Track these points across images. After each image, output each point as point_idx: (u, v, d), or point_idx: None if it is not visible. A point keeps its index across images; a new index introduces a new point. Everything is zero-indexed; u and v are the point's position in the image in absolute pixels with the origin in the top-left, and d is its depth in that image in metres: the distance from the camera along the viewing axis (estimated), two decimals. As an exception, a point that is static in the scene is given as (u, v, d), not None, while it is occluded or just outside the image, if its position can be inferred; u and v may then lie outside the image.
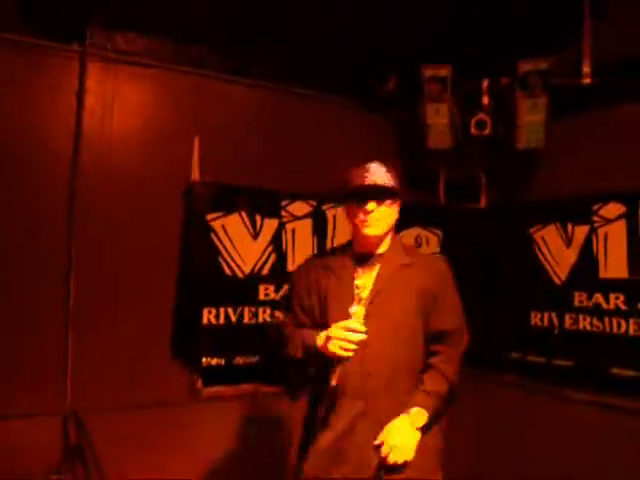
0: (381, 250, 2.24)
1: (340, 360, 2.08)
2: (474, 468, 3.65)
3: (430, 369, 2.19)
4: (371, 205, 2.12)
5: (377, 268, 2.20)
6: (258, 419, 3.49)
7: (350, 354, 2.07)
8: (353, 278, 2.20)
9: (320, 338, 2.14)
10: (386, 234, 2.23)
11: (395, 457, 2.05)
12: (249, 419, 3.49)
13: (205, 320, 3.35)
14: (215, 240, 3.38)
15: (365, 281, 2.18)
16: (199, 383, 3.37)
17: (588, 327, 3.36)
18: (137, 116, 3.36)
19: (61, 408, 3.02)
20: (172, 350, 3.32)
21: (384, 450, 2.05)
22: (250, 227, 3.48)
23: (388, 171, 2.19)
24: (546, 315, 3.57)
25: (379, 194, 2.15)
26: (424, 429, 2.12)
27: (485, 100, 3.53)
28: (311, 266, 2.35)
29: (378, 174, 2.16)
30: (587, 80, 3.33)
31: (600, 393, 3.30)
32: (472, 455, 3.73)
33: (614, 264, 3.26)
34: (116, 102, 3.28)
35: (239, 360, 3.45)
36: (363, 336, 2.05)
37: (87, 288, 3.12)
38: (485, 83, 3.53)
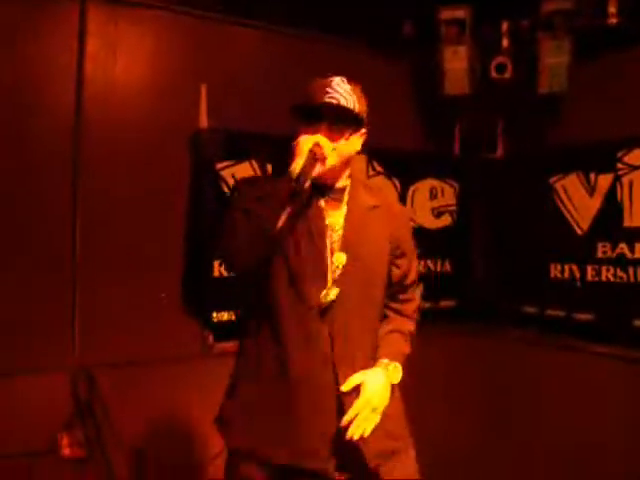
0: (341, 184, 1.90)
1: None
2: (490, 424, 3.57)
3: (396, 324, 1.97)
4: (323, 130, 1.78)
5: (344, 207, 1.88)
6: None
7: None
8: (323, 215, 1.86)
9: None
10: (343, 165, 1.87)
11: (370, 425, 1.74)
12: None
13: (216, 273, 3.23)
14: (225, 189, 3.25)
15: (335, 220, 1.86)
16: (210, 338, 3.27)
17: (612, 278, 3.26)
18: (141, 61, 3.19)
19: (70, 363, 2.91)
20: (183, 304, 3.20)
21: (359, 409, 1.73)
22: (261, 176, 3.35)
23: (354, 90, 1.81)
24: (567, 267, 3.47)
25: (337, 118, 1.78)
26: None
27: (505, 43, 3.38)
28: (268, 183, 1.85)
29: (340, 92, 1.77)
30: (613, 20, 3.18)
31: (623, 346, 3.21)
32: (489, 412, 3.65)
33: (640, 212, 3.16)
34: (119, 46, 3.10)
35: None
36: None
37: (94, 241, 2.99)
38: (505, 25, 3.37)
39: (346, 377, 1.78)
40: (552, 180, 3.56)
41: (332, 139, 1.78)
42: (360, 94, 1.84)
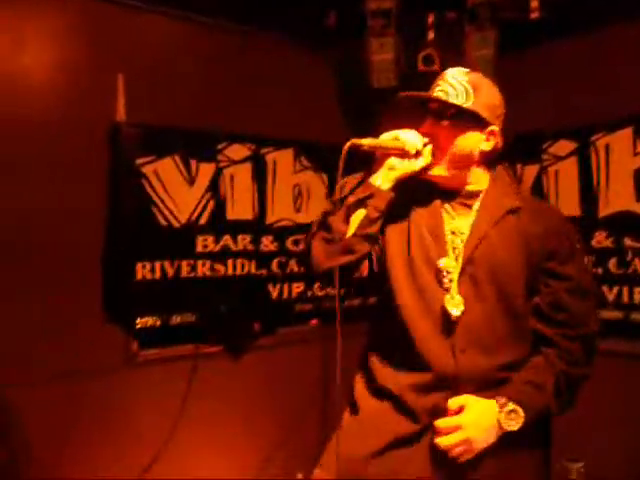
0: (476, 187, 1.68)
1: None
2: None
3: (546, 358, 1.65)
4: (426, 126, 1.65)
5: (475, 211, 1.67)
6: (199, 383, 3.22)
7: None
8: (442, 218, 1.67)
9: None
10: (464, 167, 1.66)
11: (462, 455, 1.55)
12: (189, 383, 3.20)
13: (139, 276, 3.02)
14: (147, 187, 3.04)
15: (459, 225, 1.65)
16: (134, 346, 3.07)
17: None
18: (51, 51, 2.92)
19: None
20: (103, 311, 2.97)
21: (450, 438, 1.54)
22: (185, 172, 3.16)
23: (473, 82, 1.62)
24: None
25: (441, 113, 1.62)
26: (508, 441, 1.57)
27: (431, 35, 3.34)
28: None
29: (448, 84, 1.62)
30: (535, 15, 3.21)
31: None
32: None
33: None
34: (26, 34, 2.84)
35: (176, 319, 3.16)
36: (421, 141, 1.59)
37: (5, 247, 2.71)
38: (431, 17, 3.34)
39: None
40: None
41: (435, 135, 1.63)
42: (480, 86, 1.64)
